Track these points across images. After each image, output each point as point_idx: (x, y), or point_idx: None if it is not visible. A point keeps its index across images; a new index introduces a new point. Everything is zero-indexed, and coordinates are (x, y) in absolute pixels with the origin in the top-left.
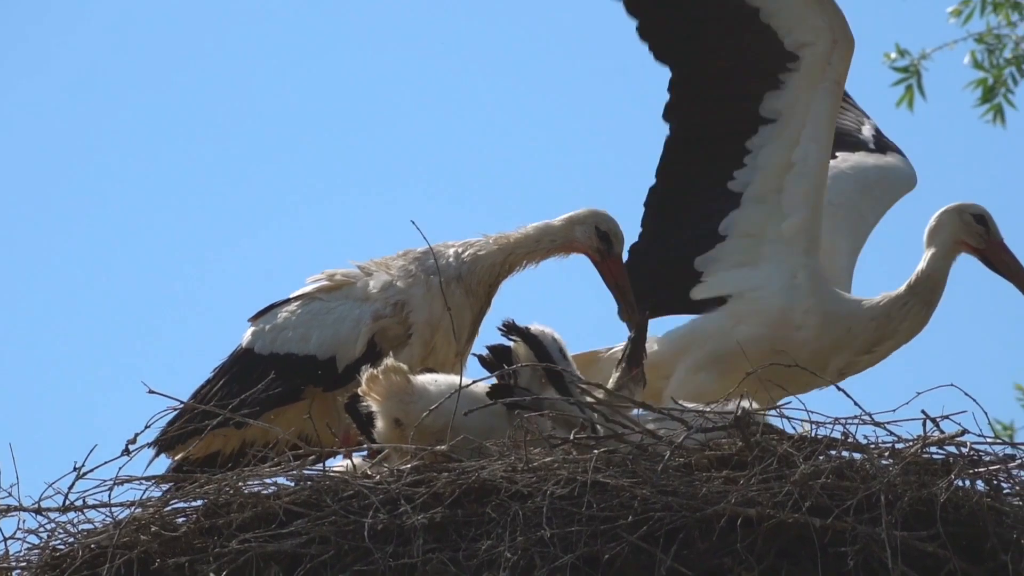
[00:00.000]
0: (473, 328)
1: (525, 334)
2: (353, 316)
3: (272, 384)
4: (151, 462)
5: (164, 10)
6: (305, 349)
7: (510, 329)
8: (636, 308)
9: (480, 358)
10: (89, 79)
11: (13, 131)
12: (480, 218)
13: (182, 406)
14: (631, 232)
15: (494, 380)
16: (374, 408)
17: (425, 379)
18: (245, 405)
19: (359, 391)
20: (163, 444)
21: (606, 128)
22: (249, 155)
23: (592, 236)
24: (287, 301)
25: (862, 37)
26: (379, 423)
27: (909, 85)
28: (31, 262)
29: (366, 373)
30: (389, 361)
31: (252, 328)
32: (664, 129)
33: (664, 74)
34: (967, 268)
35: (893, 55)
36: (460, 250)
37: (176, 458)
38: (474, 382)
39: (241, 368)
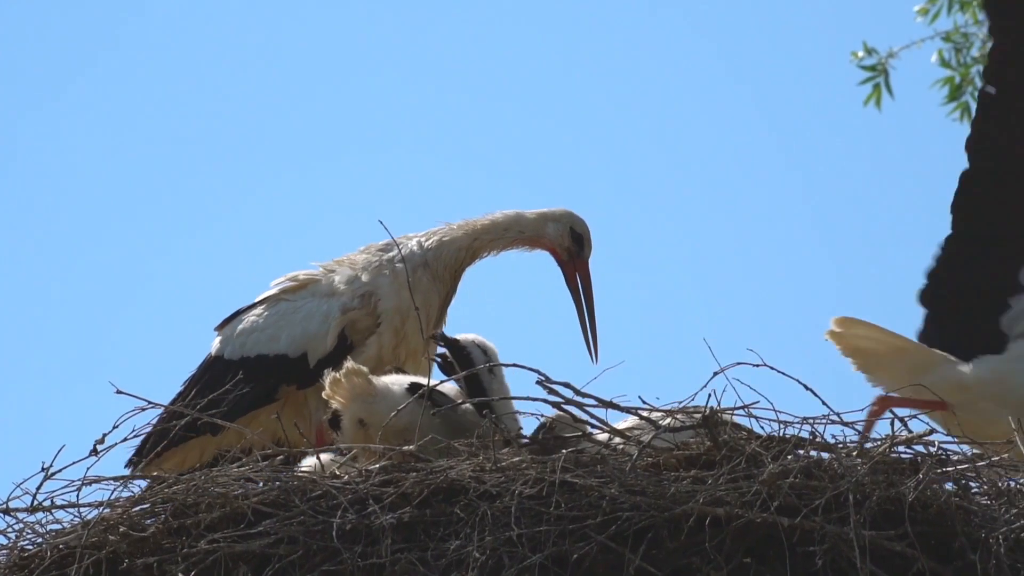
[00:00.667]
0: (440, 314)
1: (452, 344)
2: (321, 311)
3: (244, 386)
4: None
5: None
6: (275, 349)
7: (440, 340)
8: (594, 315)
9: (438, 362)
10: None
11: None
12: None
13: (159, 413)
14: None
15: (453, 382)
16: (340, 410)
17: (388, 379)
18: (219, 409)
19: (323, 395)
20: (137, 462)
21: (597, 130)
22: (212, 155)
23: (565, 235)
24: (252, 306)
25: (829, 36)
26: (344, 424)
27: (877, 84)
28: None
29: (329, 377)
30: (350, 364)
31: (219, 336)
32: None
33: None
34: None
35: (860, 54)
36: (423, 239)
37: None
38: (440, 383)
39: (212, 376)
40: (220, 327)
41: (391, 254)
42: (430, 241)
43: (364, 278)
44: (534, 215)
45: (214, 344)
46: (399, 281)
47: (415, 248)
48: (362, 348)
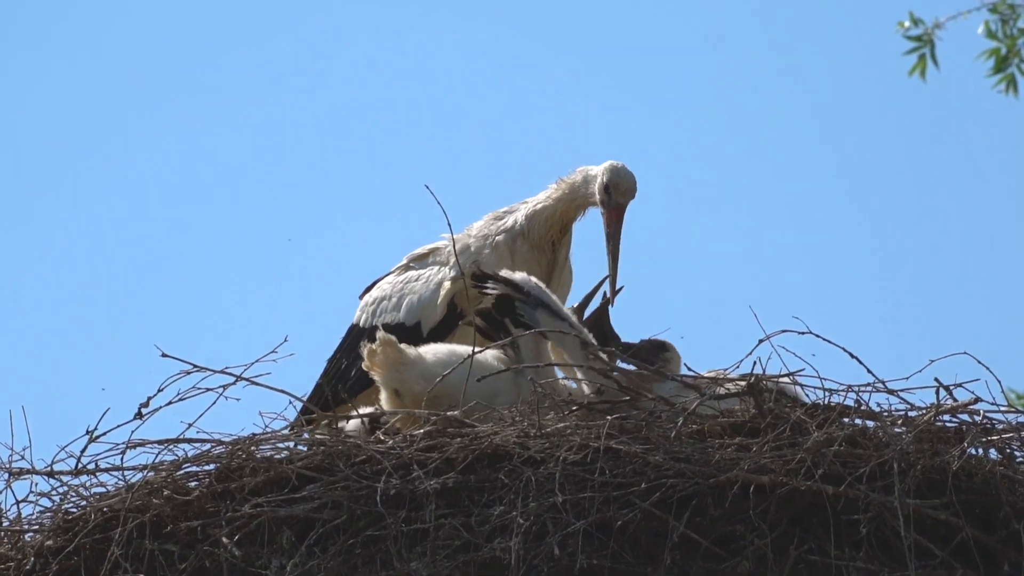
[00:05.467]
0: (545, 283)
1: (496, 277)
2: (436, 280)
3: None
4: None
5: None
6: (397, 318)
7: (476, 278)
8: (616, 259)
9: (477, 327)
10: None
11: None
12: None
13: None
14: None
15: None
16: (377, 380)
17: (424, 349)
18: (352, 380)
19: (363, 366)
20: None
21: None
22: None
23: (601, 186)
24: (388, 274)
25: (876, 5)
26: (382, 395)
27: (922, 55)
28: (45, 230)
29: (365, 348)
30: (381, 334)
31: (360, 303)
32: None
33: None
34: (981, 240)
35: (907, 24)
36: (529, 204)
37: None
38: (482, 350)
39: (349, 343)
40: (362, 294)
41: (501, 222)
42: (530, 208)
43: (473, 248)
44: (592, 173)
45: (356, 312)
46: (499, 252)
47: (520, 217)
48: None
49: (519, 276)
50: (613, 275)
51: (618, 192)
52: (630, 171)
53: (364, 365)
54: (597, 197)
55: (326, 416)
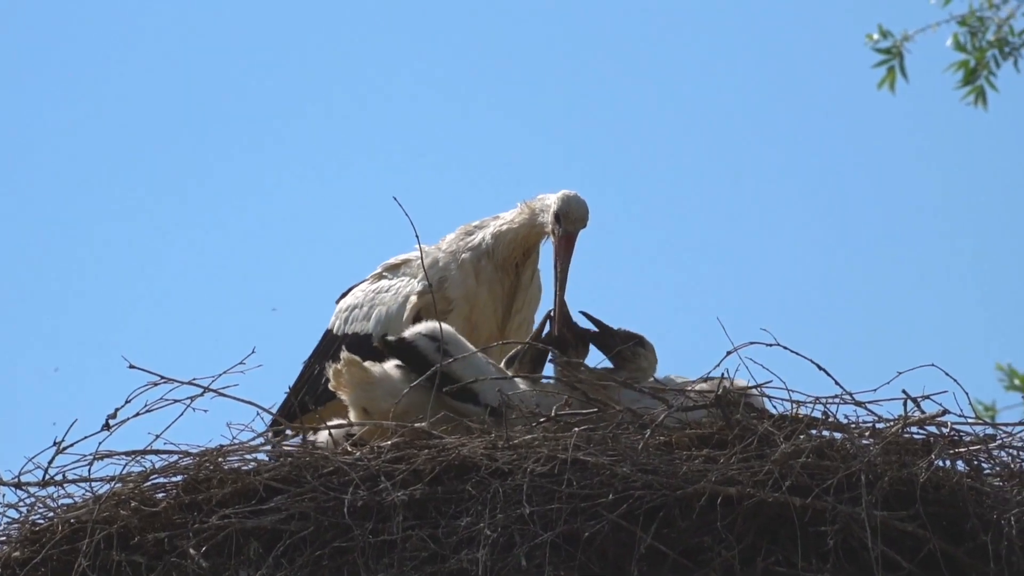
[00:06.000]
0: (508, 304)
1: (394, 346)
2: (404, 292)
3: None
4: None
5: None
6: (366, 328)
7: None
8: (562, 288)
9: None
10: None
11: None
12: None
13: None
14: None
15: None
16: (345, 400)
17: (390, 365)
18: (323, 387)
19: (329, 386)
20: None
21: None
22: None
23: (552, 217)
24: (363, 280)
25: (845, 18)
26: (351, 414)
27: (891, 67)
28: (10, 238)
29: (331, 368)
30: (345, 354)
31: (336, 308)
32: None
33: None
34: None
35: (876, 36)
36: (495, 224)
37: None
38: (449, 362)
39: (323, 348)
40: (339, 299)
41: (470, 238)
42: (496, 228)
43: (441, 262)
44: (547, 201)
45: (332, 316)
46: (465, 269)
47: (487, 235)
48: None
49: (424, 334)
50: (560, 302)
51: (568, 220)
52: (582, 200)
53: (331, 385)
54: (548, 226)
55: (296, 427)
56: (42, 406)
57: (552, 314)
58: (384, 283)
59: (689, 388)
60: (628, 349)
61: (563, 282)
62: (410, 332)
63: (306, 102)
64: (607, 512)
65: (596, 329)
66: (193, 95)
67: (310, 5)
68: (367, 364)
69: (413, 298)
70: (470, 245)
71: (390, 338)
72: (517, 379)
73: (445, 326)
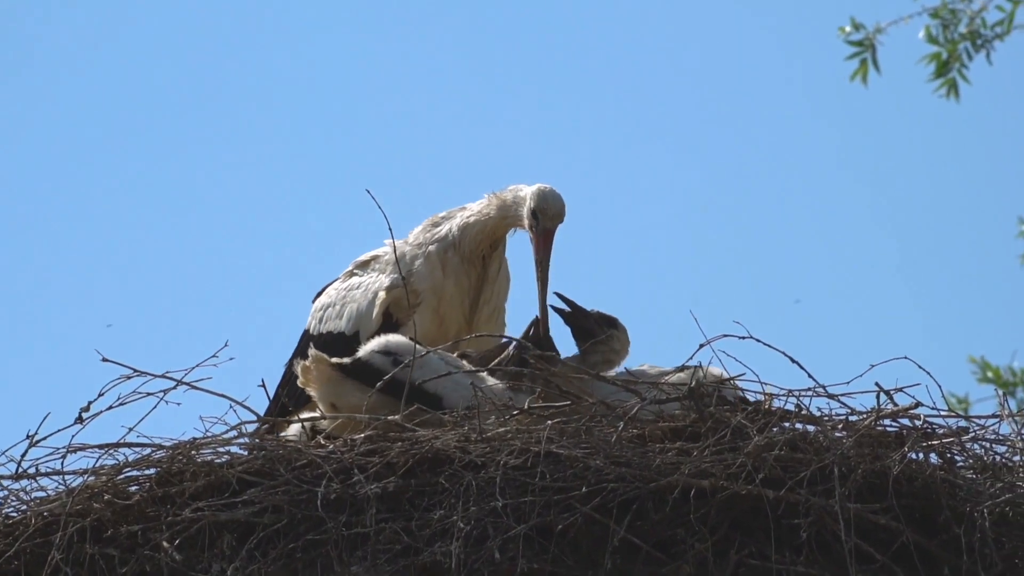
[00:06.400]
0: (476, 296)
1: (348, 368)
2: (373, 288)
3: None
4: None
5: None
6: (339, 326)
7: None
8: (544, 287)
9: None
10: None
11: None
12: None
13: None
14: None
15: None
16: (314, 396)
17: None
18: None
19: (298, 383)
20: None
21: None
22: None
23: (529, 212)
24: (335, 279)
25: (818, 11)
26: (320, 409)
27: (864, 59)
28: None
29: (299, 365)
30: (312, 351)
31: (312, 308)
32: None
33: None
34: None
35: (848, 29)
36: (462, 216)
37: None
38: (423, 354)
39: (302, 348)
40: (314, 299)
41: (437, 230)
42: (463, 220)
43: (408, 256)
44: (522, 194)
45: (308, 316)
46: (431, 262)
47: (454, 227)
48: (406, 328)
49: (377, 351)
50: (543, 302)
51: (546, 217)
52: (558, 194)
53: (299, 382)
54: (525, 222)
55: (269, 420)
56: (14, 400)
57: (537, 318)
58: (355, 280)
59: (663, 380)
60: (601, 331)
61: (545, 281)
62: (363, 351)
63: (284, 96)
64: (580, 505)
65: (569, 310)
66: (169, 91)
67: (285, 5)
68: (336, 360)
69: (382, 294)
70: (436, 237)
71: (344, 360)
72: (485, 375)
73: (398, 337)
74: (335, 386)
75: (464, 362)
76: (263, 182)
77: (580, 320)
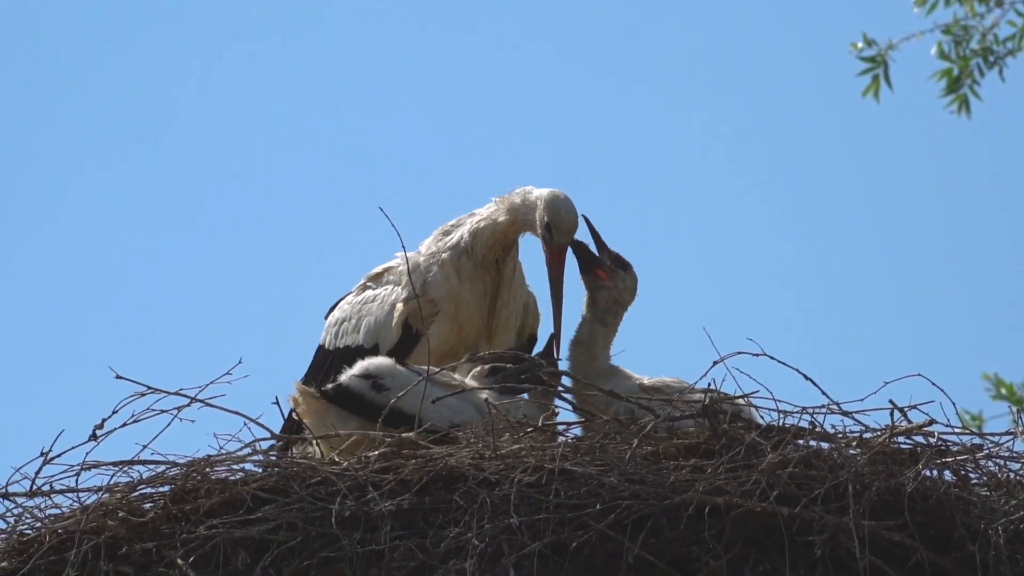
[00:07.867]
0: (493, 302)
1: (331, 394)
2: (390, 300)
3: None
4: None
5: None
6: (357, 340)
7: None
8: (559, 305)
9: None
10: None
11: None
12: None
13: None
14: None
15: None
16: (309, 426)
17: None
18: None
19: (294, 416)
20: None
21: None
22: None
23: (542, 222)
24: (348, 293)
25: (830, 27)
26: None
27: (876, 75)
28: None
29: (291, 397)
30: (297, 384)
31: (325, 324)
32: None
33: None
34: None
35: (860, 45)
36: (472, 221)
37: None
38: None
39: (317, 365)
40: (327, 314)
41: (448, 238)
42: (473, 225)
43: (422, 266)
44: (532, 197)
45: (322, 332)
46: (446, 269)
47: (465, 233)
48: (426, 338)
49: (357, 375)
50: (558, 321)
51: (560, 232)
52: (571, 204)
53: (294, 415)
54: (538, 229)
55: (281, 437)
56: (29, 417)
57: (554, 335)
58: (369, 293)
59: (677, 397)
60: (608, 268)
61: (559, 297)
62: (344, 376)
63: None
64: (595, 522)
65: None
66: (183, 107)
67: (291, 14)
68: (313, 391)
69: (399, 305)
70: (449, 244)
71: (327, 387)
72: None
73: (380, 359)
74: (322, 415)
75: (455, 376)
76: (276, 200)
77: (590, 255)
